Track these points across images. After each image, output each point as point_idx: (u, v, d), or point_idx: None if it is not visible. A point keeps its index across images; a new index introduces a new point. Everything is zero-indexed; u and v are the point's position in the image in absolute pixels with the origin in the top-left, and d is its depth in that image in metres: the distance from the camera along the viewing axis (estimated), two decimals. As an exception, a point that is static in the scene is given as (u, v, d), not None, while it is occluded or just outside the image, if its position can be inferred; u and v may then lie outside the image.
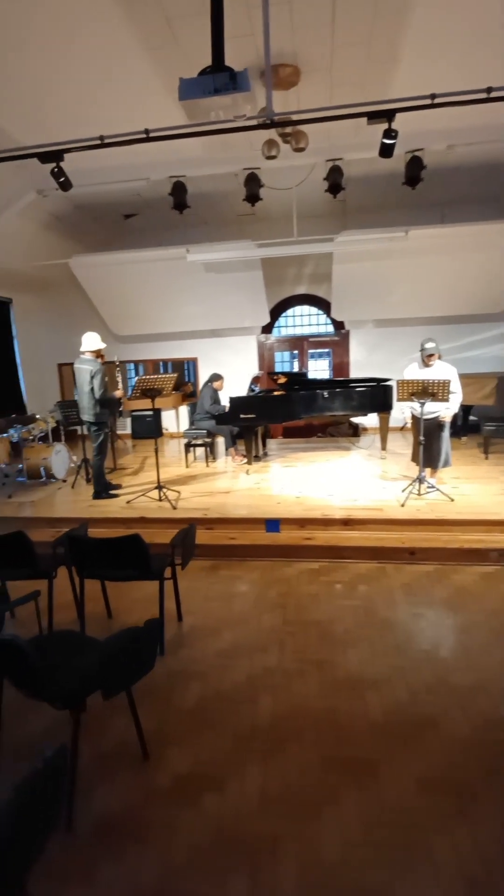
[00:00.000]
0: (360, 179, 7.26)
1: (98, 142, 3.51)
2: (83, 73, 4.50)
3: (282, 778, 2.15)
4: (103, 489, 5.50)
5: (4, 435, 6.33)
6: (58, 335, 10.13)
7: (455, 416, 8.62)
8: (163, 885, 1.71)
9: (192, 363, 10.41)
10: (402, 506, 4.90)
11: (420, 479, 5.18)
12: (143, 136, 3.32)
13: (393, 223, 7.55)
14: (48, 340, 10.21)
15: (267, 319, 8.90)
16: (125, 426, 10.22)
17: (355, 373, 9.61)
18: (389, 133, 3.47)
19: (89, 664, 1.99)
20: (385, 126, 3.35)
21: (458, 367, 9.16)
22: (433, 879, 1.70)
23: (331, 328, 9.81)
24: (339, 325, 9.62)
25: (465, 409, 8.42)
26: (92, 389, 5.18)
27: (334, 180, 6.24)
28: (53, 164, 3.77)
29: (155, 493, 5.37)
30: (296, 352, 10.00)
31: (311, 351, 10.00)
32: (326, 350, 10.04)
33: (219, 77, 2.22)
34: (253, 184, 6.38)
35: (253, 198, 6.43)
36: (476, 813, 1.95)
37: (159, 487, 5.33)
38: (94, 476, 5.54)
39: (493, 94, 2.96)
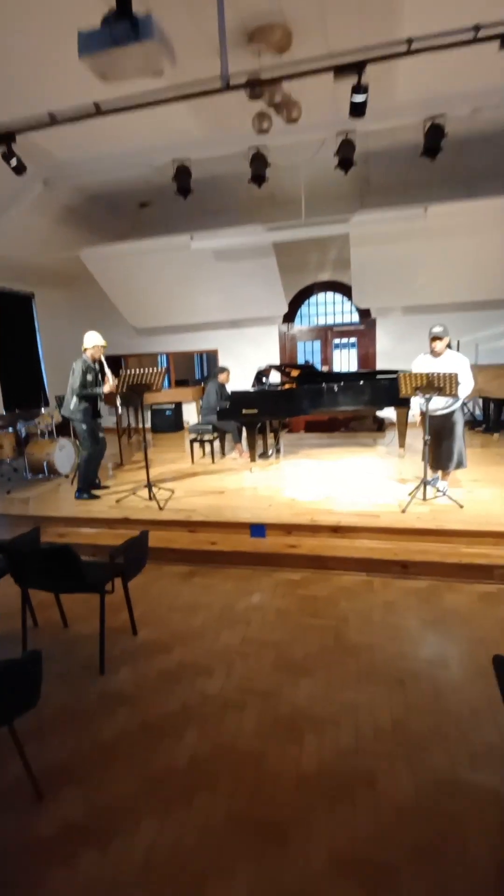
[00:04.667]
0: (381, 154, 6.70)
1: (48, 120, 3.27)
2: (32, 47, 4.10)
3: (176, 838, 1.88)
4: (85, 489, 5.36)
5: (10, 429, 6.35)
6: (80, 329, 10.06)
7: (489, 411, 7.98)
8: None
9: (214, 355, 10.17)
10: (403, 511, 4.46)
11: (426, 483, 4.70)
12: (94, 110, 3.07)
13: (418, 202, 6.94)
14: (71, 334, 10.23)
15: (285, 309, 8.50)
16: (146, 420, 10.14)
17: (382, 364, 9.05)
18: (359, 88, 3.03)
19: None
20: (355, 81, 2.91)
21: (496, 357, 8.46)
22: None
23: (356, 317, 9.27)
24: (365, 314, 9.06)
25: (500, 404, 7.72)
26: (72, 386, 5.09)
27: (345, 154, 5.74)
28: (4, 149, 3.57)
29: (145, 492, 5.18)
30: (319, 342, 9.53)
31: (335, 341, 9.51)
32: (352, 340, 9.52)
33: (118, 26, 1.90)
34: (258, 163, 5.99)
35: (259, 178, 6.04)
36: (386, 909, 1.61)
37: (149, 486, 5.14)
38: (78, 473, 5.42)
39: (482, 34, 2.46)
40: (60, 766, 2.24)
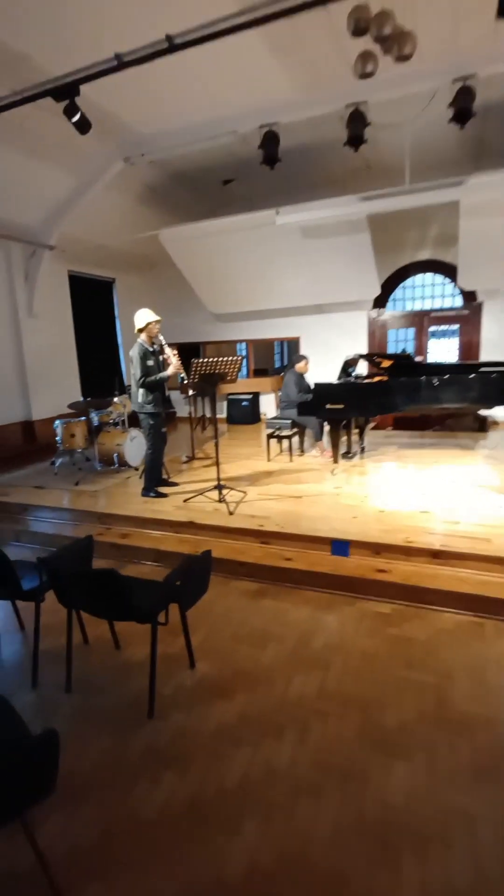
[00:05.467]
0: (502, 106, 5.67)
1: (115, 63, 2.81)
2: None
3: None
4: (152, 487, 4.98)
5: (82, 418, 6.17)
6: (160, 315, 9.94)
7: None
8: None
9: (296, 343, 9.53)
10: (523, 537, 3.62)
11: (553, 502, 3.81)
12: (166, 45, 2.56)
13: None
14: (150, 320, 10.07)
15: (377, 291, 7.65)
16: (221, 410, 9.76)
17: (487, 355, 7.96)
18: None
19: None
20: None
21: None
22: None
23: (459, 301, 8.21)
24: (470, 297, 7.98)
25: None
26: (134, 376, 4.68)
27: (463, 105, 4.85)
28: (67, 101, 3.15)
29: (214, 493, 4.72)
30: (413, 330, 8.57)
31: (432, 328, 8.50)
32: (452, 327, 8.47)
33: None
34: (356, 123, 5.24)
35: (356, 140, 5.30)
36: None
37: (219, 487, 4.67)
38: (144, 471, 5.05)
39: None
40: (87, 851, 1.80)
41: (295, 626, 3.18)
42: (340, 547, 3.80)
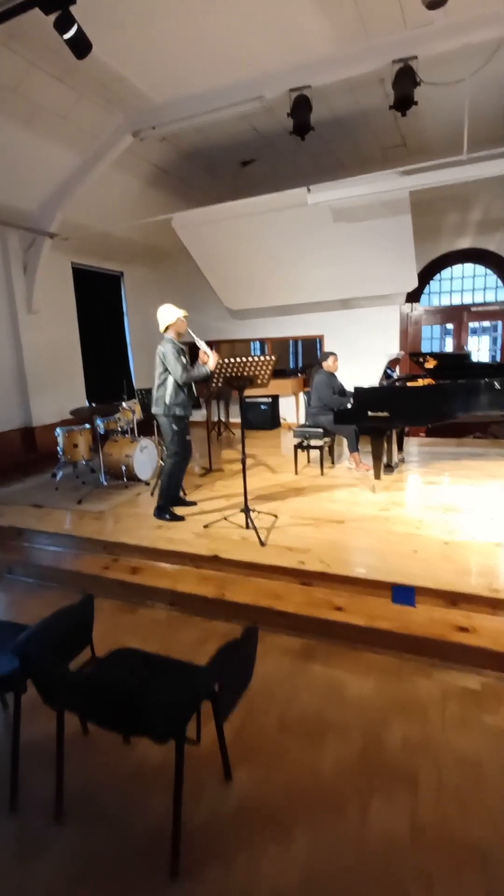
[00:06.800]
0: None
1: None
2: None
3: None
4: (167, 507, 4.25)
5: (87, 426, 5.45)
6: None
7: None
8: None
9: (314, 342, 8.77)
10: None
11: None
12: None
13: None
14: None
15: (414, 283, 6.86)
16: (239, 416, 9.00)
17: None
18: None
19: None
20: None
21: None
22: None
23: (503, 294, 7.41)
24: (514, 289, 7.19)
25: None
26: (173, 374, 3.98)
27: (535, 57, 4.08)
28: (59, 12, 2.40)
29: (240, 517, 3.98)
30: (450, 325, 7.78)
31: (472, 324, 7.71)
32: (493, 323, 7.68)
33: None
34: (405, 81, 4.48)
35: (405, 101, 4.52)
36: None
37: (247, 510, 3.92)
38: (161, 486, 4.31)
39: None
40: None
41: (359, 710, 2.42)
42: (404, 594, 3.04)
